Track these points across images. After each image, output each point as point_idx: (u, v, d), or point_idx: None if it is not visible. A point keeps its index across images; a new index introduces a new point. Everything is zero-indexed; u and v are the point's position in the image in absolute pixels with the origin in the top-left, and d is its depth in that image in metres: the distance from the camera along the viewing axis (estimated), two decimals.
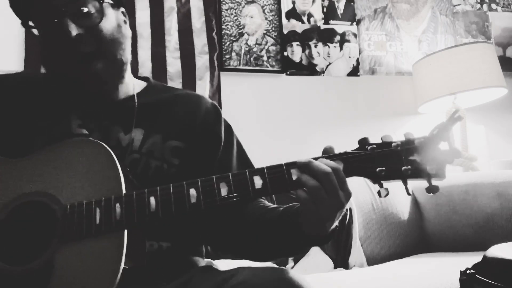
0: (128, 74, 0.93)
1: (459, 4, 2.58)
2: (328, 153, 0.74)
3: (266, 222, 0.84)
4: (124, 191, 0.73)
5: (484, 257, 0.92)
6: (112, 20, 0.86)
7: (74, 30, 0.80)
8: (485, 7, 2.63)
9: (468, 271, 0.90)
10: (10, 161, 0.80)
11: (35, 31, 0.85)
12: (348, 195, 0.71)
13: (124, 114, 0.89)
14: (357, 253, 1.70)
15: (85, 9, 0.82)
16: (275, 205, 0.88)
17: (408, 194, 0.71)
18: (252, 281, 0.66)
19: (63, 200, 0.74)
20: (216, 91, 2.05)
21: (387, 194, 0.71)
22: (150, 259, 0.79)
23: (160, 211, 0.71)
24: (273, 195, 0.88)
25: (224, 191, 0.71)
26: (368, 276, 1.42)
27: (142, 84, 0.99)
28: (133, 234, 0.72)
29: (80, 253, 0.70)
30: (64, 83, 0.87)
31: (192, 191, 0.72)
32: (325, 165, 0.70)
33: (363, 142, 0.74)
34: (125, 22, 0.92)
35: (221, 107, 2.03)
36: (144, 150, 0.86)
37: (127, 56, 0.90)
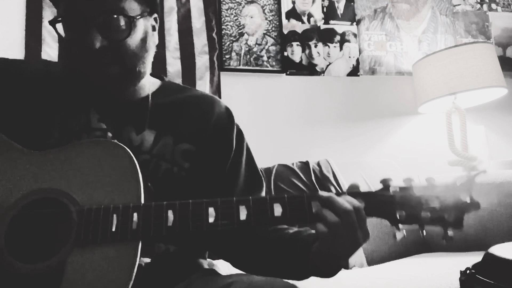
0: (144, 79, 0.91)
1: (459, 4, 2.58)
2: (353, 190, 0.75)
3: (274, 241, 0.84)
4: (142, 200, 0.73)
5: (484, 257, 0.92)
6: (139, 33, 0.84)
7: (98, 42, 0.78)
8: (485, 7, 2.63)
9: (468, 271, 0.90)
10: (32, 153, 0.79)
11: (60, 29, 0.83)
12: (366, 235, 0.72)
13: (137, 115, 0.88)
14: (357, 253, 1.70)
15: (115, 22, 0.80)
16: (286, 226, 0.88)
17: (422, 236, 0.72)
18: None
19: (80, 200, 0.73)
20: (216, 91, 2.04)
21: (403, 237, 0.72)
22: (156, 260, 0.79)
23: (178, 226, 0.70)
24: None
25: (243, 215, 0.71)
26: (368, 276, 1.42)
27: (157, 83, 0.97)
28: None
29: (92, 259, 0.69)
30: (80, 80, 0.86)
31: (211, 210, 0.71)
32: (347, 202, 0.70)
33: (386, 182, 0.74)
34: (154, 29, 0.91)
35: None
36: (155, 151, 0.86)
37: (147, 67, 0.89)
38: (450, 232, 0.71)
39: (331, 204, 0.70)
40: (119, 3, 0.81)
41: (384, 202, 0.73)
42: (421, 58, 2.25)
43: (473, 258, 0.95)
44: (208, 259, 0.96)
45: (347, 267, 0.78)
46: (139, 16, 0.83)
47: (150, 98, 0.91)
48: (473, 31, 2.57)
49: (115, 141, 0.82)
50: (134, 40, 0.83)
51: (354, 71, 2.32)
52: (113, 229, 0.69)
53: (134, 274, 0.67)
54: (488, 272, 0.87)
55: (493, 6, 2.65)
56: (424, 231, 0.72)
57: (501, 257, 0.88)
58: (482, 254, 0.93)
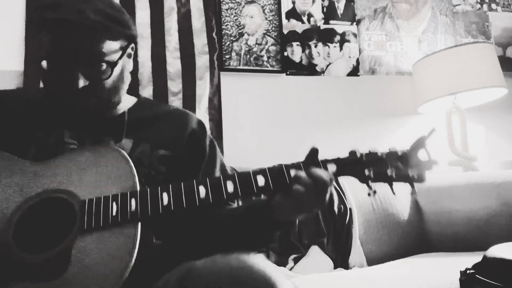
0: (120, 104, 0.99)
1: (459, 4, 2.58)
2: (314, 154, 0.89)
3: (233, 216, 0.93)
4: (138, 189, 0.81)
5: (484, 257, 0.92)
6: (118, 70, 0.91)
7: (81, 82, 0.85)
8: (485, 7, 2.63)
9: (468, 271, 0.90)
10: (34, 163, 0.87)
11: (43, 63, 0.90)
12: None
13: (115, 127, 0.96)
14: (357, 253, 1.70)
15: (98, 66, 0.87)
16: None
17: (393, 193, 0.84)
18: (211, 268, 0.69)
19: (81, 196, 0.80)
20: (216, 91, 2.05)
21: (375, 193, 0.84)
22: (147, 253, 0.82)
23: (172, 204, 0.78)
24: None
25: (230, 188, 0.80)
26: (368, 276, 1.43)
27: (133, 100, 1.05)
28: (144, 232, 0.78)
29: (96, 243, 0.75)
30: (60, 103, 0.93)
31: (202, 188, 0.80)
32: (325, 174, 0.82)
33: (353, 151, 0.87)
34: (129, 56, 0.98)
35: (221, 107, 2.04)
36: (133, 158, 0.90)
37: (122, 95, 0.97)
38: (415, 188, 0.83)
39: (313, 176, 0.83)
40: (100, 47, 0.86)
41: (353, 163, 0.86)
42: (421, 58, 2.25)
43: (473, 258, 0.95)
44: None
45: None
46: (119, 59, 0.90)
47: (126, 114, 0.99)
48: (473, 31, 2.57)
49: (110, 146, 0.91)
50: (113, 77, 0.90)
51: (354, 71, 2.32)
52: (114, 214, 0.76)
53: (135, 253, 0.73)
54: (488, 272, 0.87)
55: (493, 6, 2.65)
56: (393, 188, 0.84)
57: (501, 257, 0.88)
58: (482, 254, 0.93)
